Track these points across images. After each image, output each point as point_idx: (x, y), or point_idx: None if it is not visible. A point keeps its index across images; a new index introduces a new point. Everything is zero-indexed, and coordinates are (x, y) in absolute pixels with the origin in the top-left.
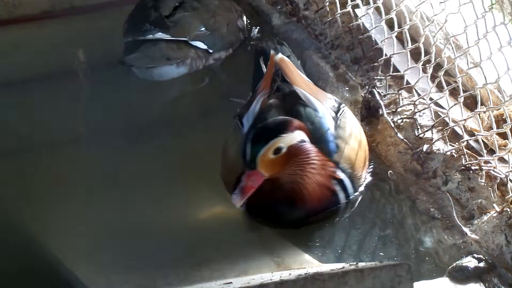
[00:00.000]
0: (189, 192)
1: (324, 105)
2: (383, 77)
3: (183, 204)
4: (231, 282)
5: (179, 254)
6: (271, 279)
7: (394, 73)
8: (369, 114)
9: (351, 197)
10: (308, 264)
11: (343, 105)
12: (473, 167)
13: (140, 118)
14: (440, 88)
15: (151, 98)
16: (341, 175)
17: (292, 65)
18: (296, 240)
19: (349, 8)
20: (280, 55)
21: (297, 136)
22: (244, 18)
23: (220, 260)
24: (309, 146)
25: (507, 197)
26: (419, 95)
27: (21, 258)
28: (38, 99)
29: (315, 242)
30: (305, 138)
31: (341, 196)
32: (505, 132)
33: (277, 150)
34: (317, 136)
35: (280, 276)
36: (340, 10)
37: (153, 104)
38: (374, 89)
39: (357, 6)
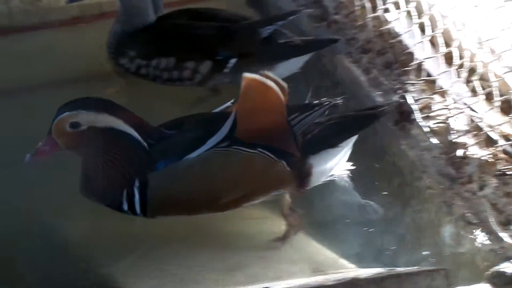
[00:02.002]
0: None
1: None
2: (416, 82)
3: None
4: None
5: (213, 258)
6: (308, 284)
7: (426, 78)
8: (402, 118)
9: (136, 212)
10: (344, 269)
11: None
12: (509, 172)
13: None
14: (474, 92)
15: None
16: (135, 189)
17: (269, 92)
18: (331, 244)
19: (379, 13)
20: (254, 76)
21: (106, 121)
22: None
23: (255, 265)
24: (124, 143)
25: None
26: (453, 99)
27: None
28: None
29: (350, 247)
30: (129, 131)
31: (124, 204)
32: None
33: (75, 124)
34: (169, 146)
35: (317, 281)
36: (371, 14)
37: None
38: (406, 94)
39: (387, 10)
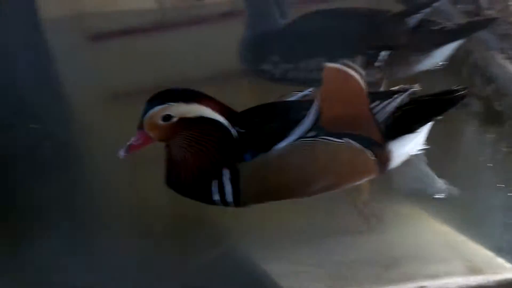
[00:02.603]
0: None
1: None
2: None
3: None
4: (425, 286)
5: (366, 254)
6: (468, 285)
7: None
8: None
9: (226, 200)
10: (502, 269)
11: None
12: None
13: None
14: None
15: None
16: (226, 179)
17: (350, 80)
18: (488, 243)
19: None
20: (335, 65)
21: (196, 111)
22: None
23: (408, 262)
24: (215, 131)
25: None
26: None
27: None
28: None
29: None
30: (219, 118)
31: (215, 193)
32: None
33: (167, 117)
34: (255, 137)
35: (477, 282)
36: None
37: None
38: None
39: None
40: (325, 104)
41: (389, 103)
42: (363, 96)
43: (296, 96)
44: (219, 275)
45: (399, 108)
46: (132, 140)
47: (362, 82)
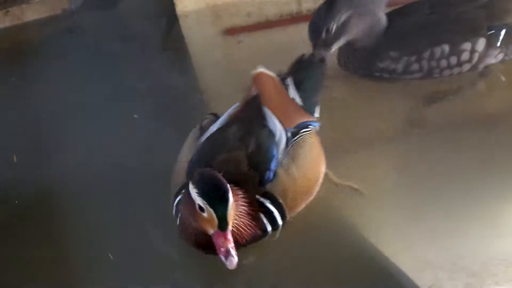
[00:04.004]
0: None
1: (284, 129)
2: None
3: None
4: None
5: (493, 252)
6: None
7: None
8: None
9: (278, 228)
10: None
11: (307, 130)
12: None
13: None
14: None
15: None
16: (269, 206)
17: (273, 81)
18: None
19: None
20: (259, 70)
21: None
22: None
23: None
24: (236, 190)
25: None
26: None
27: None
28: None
29: None
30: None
31: (269, 227)
32: None
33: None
34: (258, 160)
35: None
36: None
37: None
38: None
39: None
40: (270, 106)
41: (289, 87)
42: (284, 90)
43: (225, 114)
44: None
45: (297, 87)
46: (226, 244)
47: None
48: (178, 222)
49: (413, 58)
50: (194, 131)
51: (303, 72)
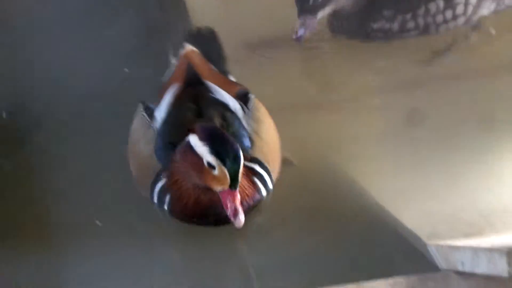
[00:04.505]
0: None
1: (233, 98)
2: None
3: None
4: None
5: (491, 203)
6: None
7: None
8: None
9: (270, 191)
10: None
11: (252, 95)
12: None
13: None
14: None
15: None
16: (259, 170)
17: (200, 56)
18: None
19: None
20: (188, 47)
21: None
22: None
23: None
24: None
25: None
26: None
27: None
28: None
29: None
30: None
31: (263, 191)
32: None
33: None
34: (231, 130)
35: None
36: None
37: None
38: None
39: None
40: (210, 80)
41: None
42: (208, 63)
43: (167, 97)
44: None
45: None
46: (236, 203)
47: None
48: (167, 201)
49: (408, 15)
50: (139, 120)
51: (209, 45)
